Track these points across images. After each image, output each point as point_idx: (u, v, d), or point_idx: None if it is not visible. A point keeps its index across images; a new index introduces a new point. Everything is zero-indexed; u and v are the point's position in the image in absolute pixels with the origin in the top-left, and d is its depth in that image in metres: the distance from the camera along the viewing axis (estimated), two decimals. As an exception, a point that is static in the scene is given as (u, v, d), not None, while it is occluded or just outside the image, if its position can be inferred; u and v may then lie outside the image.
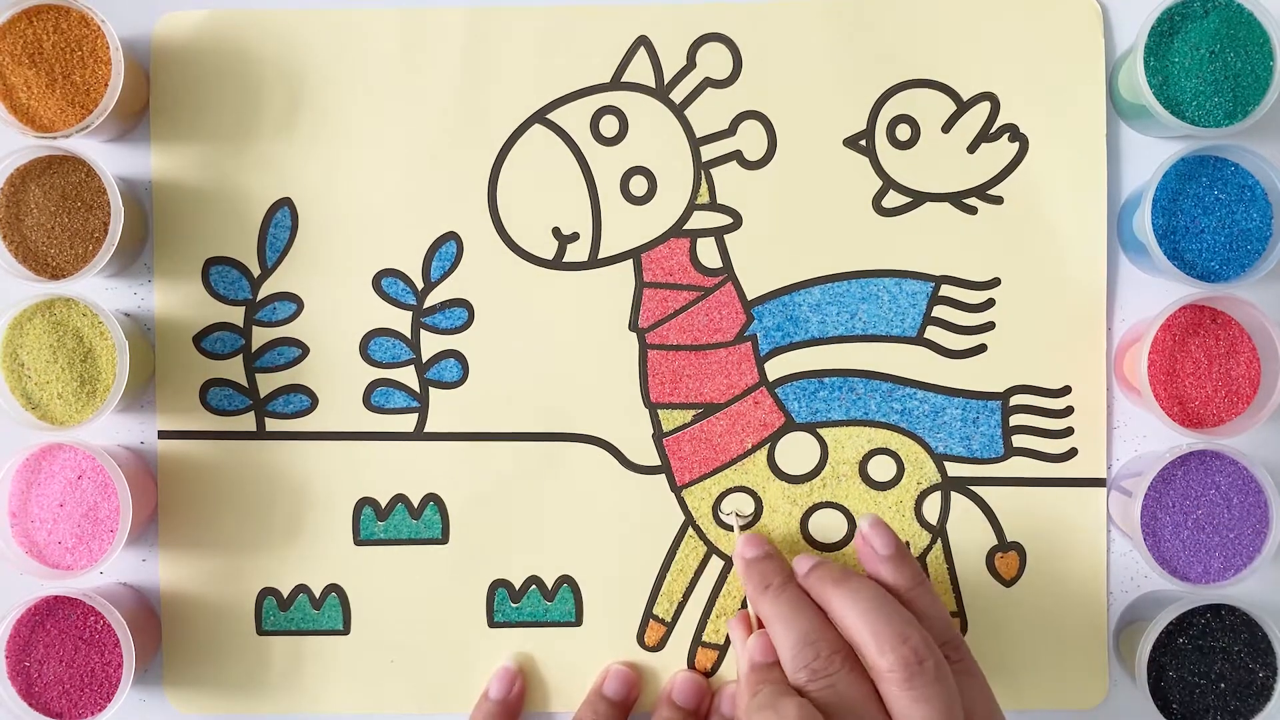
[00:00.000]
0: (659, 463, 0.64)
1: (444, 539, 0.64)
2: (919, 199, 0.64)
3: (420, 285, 0.64)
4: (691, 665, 0.64)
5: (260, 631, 0.64)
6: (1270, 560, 0.60)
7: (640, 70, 0.63)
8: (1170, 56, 0.60)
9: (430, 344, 0.64)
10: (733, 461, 0.64)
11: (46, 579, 0.60)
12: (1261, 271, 0.60)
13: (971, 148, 0.64)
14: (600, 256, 0.64)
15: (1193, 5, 0.60)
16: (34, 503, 0.61)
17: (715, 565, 0.64)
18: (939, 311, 0.64)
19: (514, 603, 0.64)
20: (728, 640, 0.64)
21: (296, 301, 0.64)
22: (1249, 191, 0.61)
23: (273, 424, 0.64)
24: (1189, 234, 0.61)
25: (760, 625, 0.58)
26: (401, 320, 0.64)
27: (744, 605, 0.62)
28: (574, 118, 0.63)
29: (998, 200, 0.64)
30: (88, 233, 0.60)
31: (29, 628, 0.60)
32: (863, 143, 0.64)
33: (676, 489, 0.64)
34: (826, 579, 0.56)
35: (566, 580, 0.64)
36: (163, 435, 0.64)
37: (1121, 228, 0.63)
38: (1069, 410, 0.63)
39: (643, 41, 0.63)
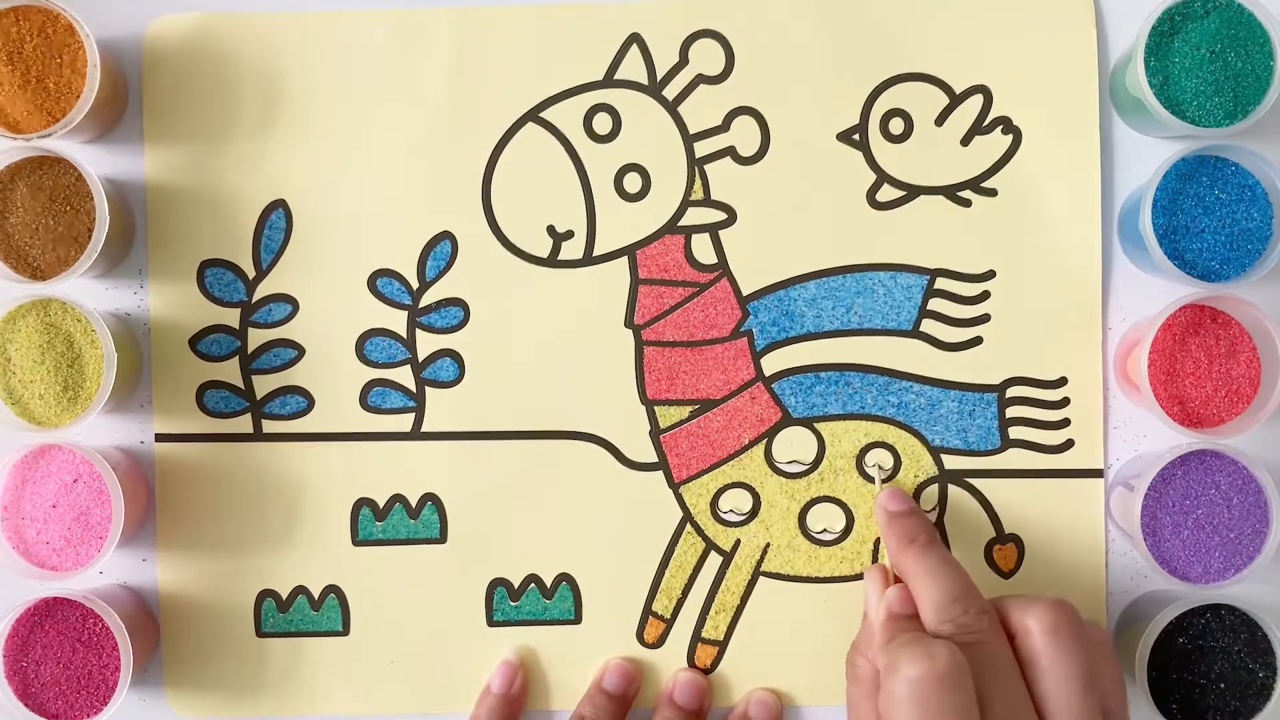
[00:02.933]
0: (656, 459, 0.64)
1: (442, 538, 0.64)
2: (913, 192, 0.64)
3: (415, 285, 0.64)
4: (691, 662, 0.64)
5: (259, 633, 0.64)
6: (1270, 560, 0.60)
7: (633, 67, 0.63)
8: (1170, 56, 0.59)
9: (426, 343, 0.64)
10: (730, 457, 0.64)
11: (31, 578, 0.60)
12: (1261, 271, 0.60)
13: (965, 140, 0.64)
14: (595, 254, 0.64)
15: (1193, 5, 0.59)
16: (27, 499, 0.60)
17: (714, 561, 0.64)
18: (934, 304, 0.64)
19: (513, 601, 0.64)
20: (727, 636, 0.64)
21: (292, 303, 0.64)
22: (1249, 191, 0.60)
23: (270, 425, 0.64)
24: (1189, 234, 0.60)
25: (896, 580, 0.58)
26: (397, 320, 0.64)
27: (876, 558, 0.63)
28: (567, 116, 0.63)
29: (991, 193, 0.63)
30: (71, 236, 0.60)
31: (27, 628, 0.60)
32: (856, 137, 0.64)
33: (674, 485, 0.64)
34: None
35: (565, 578, 0.64)
36: (160, 439, 0.64)
37: (1122, 227, 0.63)
38: (1065, 401, 0.63)
39: (635, 39, 0.63)
